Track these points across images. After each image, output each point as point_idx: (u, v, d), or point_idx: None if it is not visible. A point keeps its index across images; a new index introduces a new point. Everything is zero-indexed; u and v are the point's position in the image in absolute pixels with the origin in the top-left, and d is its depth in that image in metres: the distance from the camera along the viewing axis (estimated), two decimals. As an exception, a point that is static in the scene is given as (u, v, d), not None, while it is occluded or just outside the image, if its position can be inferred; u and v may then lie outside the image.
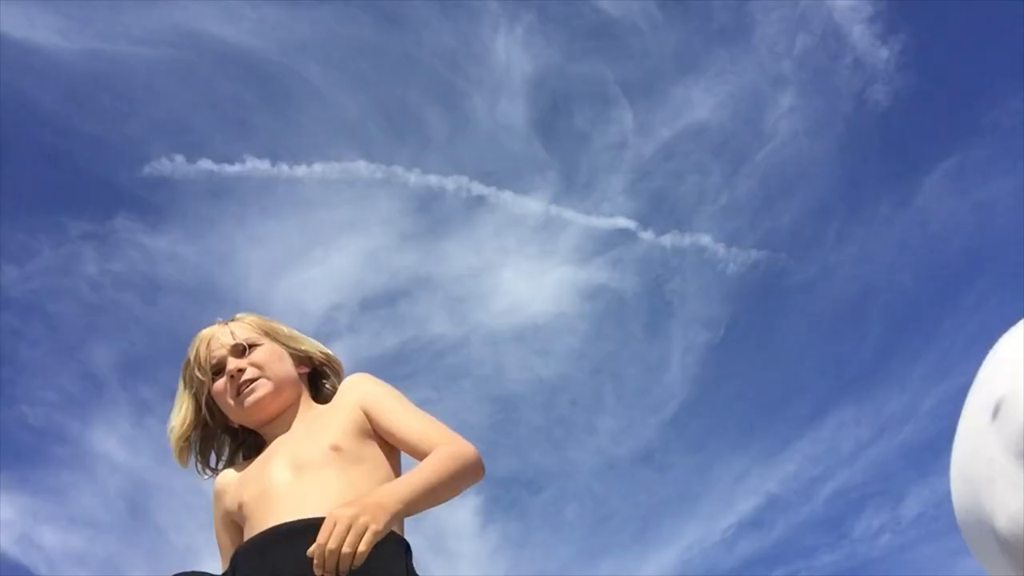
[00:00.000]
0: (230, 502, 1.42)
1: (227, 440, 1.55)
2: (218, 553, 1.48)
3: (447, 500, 1.30)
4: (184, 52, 9.36)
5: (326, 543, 1.10)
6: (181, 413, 1.50)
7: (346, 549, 1.09)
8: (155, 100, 9.51)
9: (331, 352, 1.60)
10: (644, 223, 10.61)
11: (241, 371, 1.46)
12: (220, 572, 1.38)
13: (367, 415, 1.42)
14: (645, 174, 10.83)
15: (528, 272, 11.23)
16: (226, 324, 1.55)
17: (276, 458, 1.40)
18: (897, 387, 10.46)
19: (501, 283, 11.32)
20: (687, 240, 10.44)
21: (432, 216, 10.84)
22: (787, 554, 9.81)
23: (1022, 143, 9.10)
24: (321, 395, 1.56)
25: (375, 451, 1.39)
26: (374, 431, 1.41)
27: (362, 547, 1.10)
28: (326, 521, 1.13)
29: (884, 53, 9.59)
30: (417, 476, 1.28)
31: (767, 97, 10.47)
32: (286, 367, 1.51)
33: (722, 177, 10.73)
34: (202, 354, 1.49)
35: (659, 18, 10.30)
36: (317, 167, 9.87)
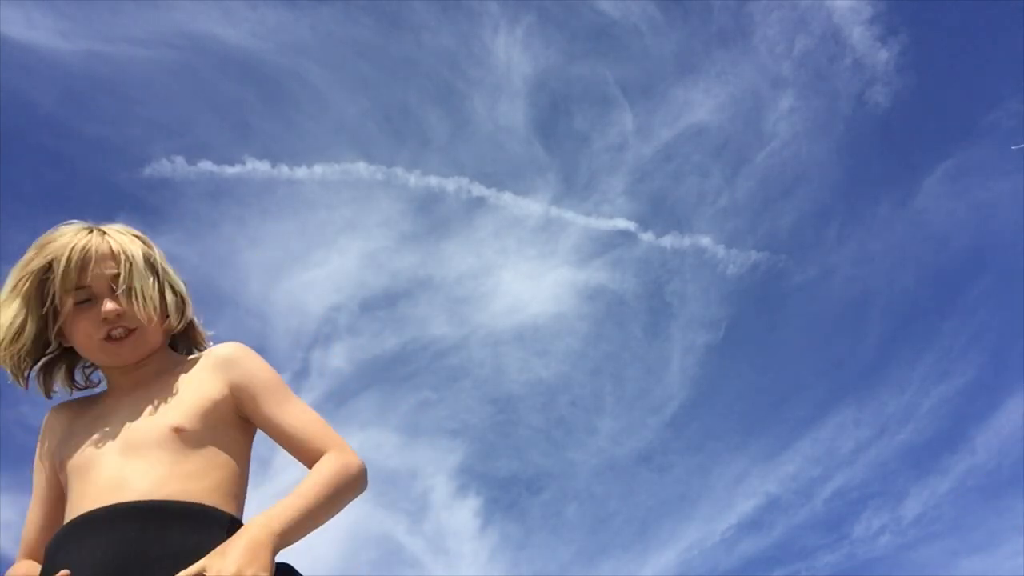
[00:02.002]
0: (55, 454, 1.30)
1: (64, 359, 1.36)
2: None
3: (328, 519, 1.20)
4: (184, 54, 9.39)
5: None
6: (14, 321, 1.27)
7: None
8: (155, 101, 9.52)
9: (189, 300, 1.42)
10: (644, 224, 10.62)
11: (120, 316, 1.29)
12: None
13: (240, 399, 1.28)
14: (645, 175, 10.84)
15: (528, 273, 11.24)
16: (104, 236, 1.32)
17: (110, 428, 1.26)
18: (897, 388, 10.49)
19: (501, 284, 11.33)
20: (687, 241, 10.45)
21: (432, 217, 10.85)
22: (787, 555, 9.82)
23: (1021, 144, 9.10)
24: (182, 341, 1.42)
25: (224, 436, 1.26)
26: (242, 415, 1.29)
27: None
28: None
29: (884, 55, 9.61)
30: (298, 501, 1.16)
31: (767, 99, 10.49)
32: (156, 322, 1.33)
33: (722, 178, 10.75)
34: (73, 270, 1.27)
35: (659, 20, 10.32)
36: (317, 168, 9.87)
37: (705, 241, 10.42)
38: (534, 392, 11.09)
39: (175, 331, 1.39)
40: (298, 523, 1.13)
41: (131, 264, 1.32)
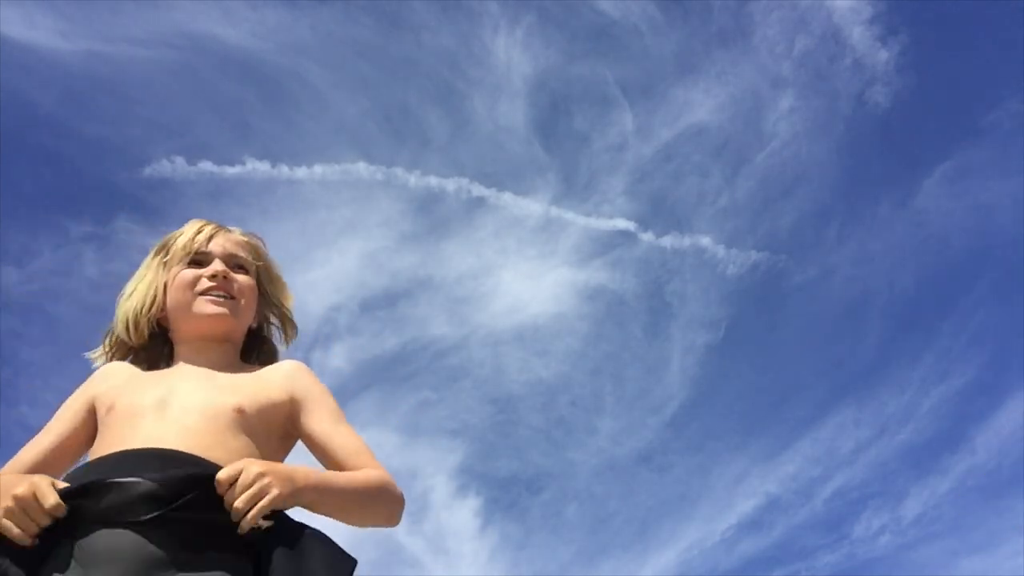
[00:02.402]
0: (107, 393, 1.28)
1: (151, 333, 1.40)
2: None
3: (352, 519, 1.18)
4: (184, 54, 9.38)
5: (230, 488, 1.04)
6: (150, 290, 1.36)
7: (238, 504, 1.03)
8: (155, 102, 9.52)
9: (295, 324, 1.50)
10: (644, 224, 10.62)
11: (227, 279, 1.36)
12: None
13: (296, 410, 1.30)
14: (645, 175, 10.84)
15: (528, 273, 11.24)
16: (231, 231, 1.44)
17: (179, 383, 1.27)
18: (896, 388, 10.48)
19: (501, 284, 11.33)
20: (687, 241, 10.45)
21: (432, 217, 10.85)
22: (787, 555, 9.82)
23: (1021, 145, 9.11)
24: (246, 356, 1.46)
25: (270, 436, 1.27)
26: (292, 427, 1.31)
27: (255, 511, 1.02)
28: (231, 466, 1.06)
29: (884, 55, 9.60)
30: (340, 476, 1.19)
31: (767, 99, 10.48)
32: (251, 310, 1.41)
33: (722, 178, 10.75)
34: (199, 237, 1.38)
35: (659, 20, 10.31)
36: (317, 169, 9.87)
37: (705, 241, 10.41)
38: (534, 392, 11.09)
39: (252, 330, 1.44)
40: (334, 493, 1.14)
41: (254, 252, 1.42)
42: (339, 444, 1.27)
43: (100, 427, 1.25)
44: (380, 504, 1.22)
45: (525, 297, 10.95)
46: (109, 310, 1.44)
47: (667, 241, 10.25)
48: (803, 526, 9.74)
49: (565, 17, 10.22)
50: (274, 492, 1.04)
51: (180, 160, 8.81)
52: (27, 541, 1.01)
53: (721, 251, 10.15)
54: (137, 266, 1.45)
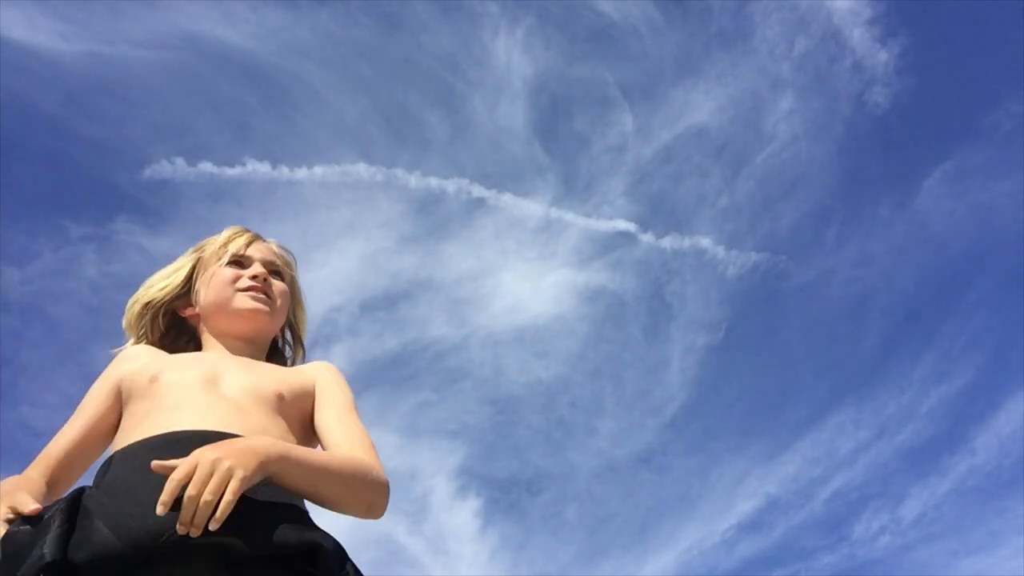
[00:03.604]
0: (142, 368, 1.25)
1: (168, 325, 1.41)
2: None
3: (327, 500, 1.11)
4: (184, 55, 9.39)
5: (188, 489, 0.94)
6: (171, 279, 1.40)
7: (207, 496, 0.93)
8: (156, 103, 9.52)
9: (304, 347, 1.53)
10: (644, 225, 10.62)
11: (266, 280, 1.40)
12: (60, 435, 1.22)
13: (318, 399, 1.31)
14: (645, 176, 10.84)
15: (528, 274, 11.24)
16: (269, 241, 1.48)
17: (223, 364, 1.27)
18: (896, 389, 10.48)
19: (501, 285, 11.33)
20: (687, 242, 10.45)
21: (432, 218, 10.85)
22: (787, 555, 9.81)
23: (1021, 146, 9.12)
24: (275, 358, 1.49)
25: (304, 429, 1.28)
26: (312, 418, 1.31)
27: (227, 495, 0.94)
28: (184, 463, 0.97)
29: (883, 56, 9.60)
30: (316, 454, 1.12)
31: (766, 100, 10.49)
32: (284, 316, 1.46)
33: (722, 180, 10.75)
34: (238, 241, 1.42)
35: (659, 21, 10.32)
36: (317, 169, 9.87)
37: (705, 242, 10.41)
38: (534, 393, 11.08)
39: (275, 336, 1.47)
40: (302, 465, 1.07)
41: (289, 264, 1.47)
42: (338, 432, 1.26)
43: (136, 400, 1.21)
44: (358, 487, 1.14)
45: (525, 298, 10.95)
46: (109, 311, 1.46)
47: (667, 242, 10.25)
48: (803, 527, 9.74)
49: (565, 18, 10.23)
50: (239, 474, 0.96)
51: (180, 161, 8.81)
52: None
53: (721, 252, 10.15)
54: (137, 267, 1.51)
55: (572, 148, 10.74)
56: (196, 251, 1.45)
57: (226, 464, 0.96)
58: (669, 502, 10.46)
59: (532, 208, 10.37)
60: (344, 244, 10.77)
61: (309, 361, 1.51)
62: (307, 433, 1.31)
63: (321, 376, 1.36)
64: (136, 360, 1.31)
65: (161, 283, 1.41)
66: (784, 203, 10.62)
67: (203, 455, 0.97)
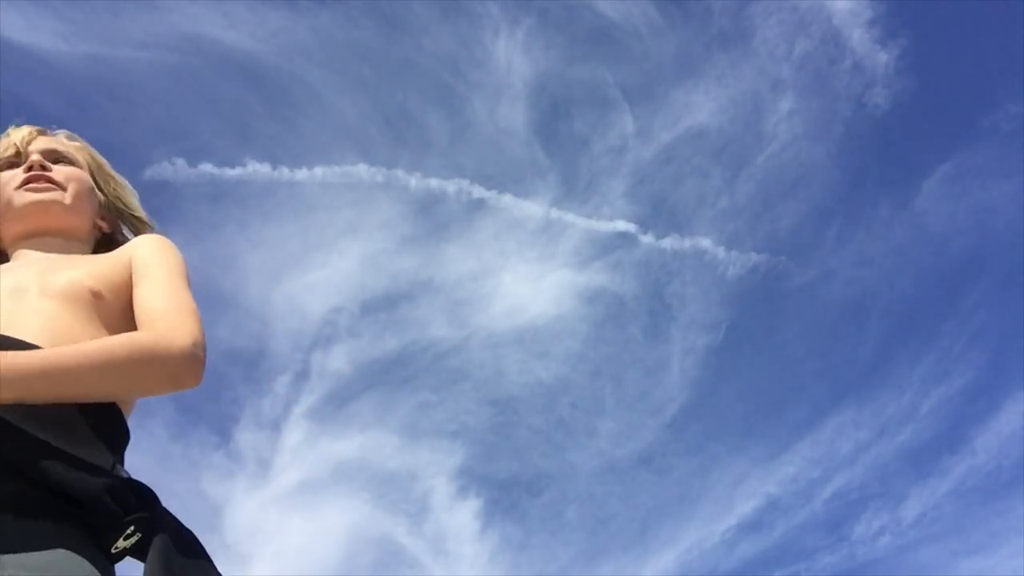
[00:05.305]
0: None
1: None
2: None
3: (97, 395, 0.94)
4: (185, 56, 9.40)
5: None
6: None
7: None
8: (156, 104, 9.54)
9: (147, 221, 1.34)
10: (644, 226, 10.63)
11: (46, 169, 1.24)
12: None
13: (133, 276, 1.14)
14: (645, 177, 10.85)
15: (528, 275, 11.24)
16: (48, 132, 1.32)
17: (36, 268, 1.12)
18: (896, 389, 10.49)
19: (501, 286, 11.33)
20: (687, 243, 10.46)
21: (433, 219, 10.86)
22: (787, 556, 9.83)
23: (1020, 147, 9.13)
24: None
25: (126, 321, 1.10)
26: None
27: None
28: None
29: (883, 57, 9.62)
30: (47, 353, 0.92)
31: (767, 101, 10.50)
32: (91, 204, 1.28)
33: (722, 181, 10.76)
34: (7, 141, 1.27)
35: (659, 22, 10.33)
36: (318, 170, 9.88)
37: (705, 243, 10.43)
38: (534, 394, 11.10)
39: (107, 236, 1.30)
40: (36, 375, 0.87)
41: (76, 148, 1.31)
42: (142, 308, 1.08)
43: None
44: (131, 371, 0.97)
45: (525, 299, 10.96)
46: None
47: (667, 243, 10.27)
48: (803, 527, 9.76)
49: (565, 20, 10.25)
50: None
51: (181, 162, 8.82)
52: None
53: (721, 253, 10.17)
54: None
55: (572, 149, 10.76)
56: None
57: None
58: (669, 503, 10.48)
59: (532, 209, 10.39)
60: (344, 245, 10.78)
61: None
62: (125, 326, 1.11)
63: (137, 252, 1.17)
64: None
65: None
66: (784, 204, 10.63)
67: None
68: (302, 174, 9.83)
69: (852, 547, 9.67)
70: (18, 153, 1.26)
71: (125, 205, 1.34)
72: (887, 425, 10.24)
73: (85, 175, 1.29)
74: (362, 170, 10.08)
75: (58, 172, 1.25)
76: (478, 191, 10.32)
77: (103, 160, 1.36)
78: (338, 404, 10.58)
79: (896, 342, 10.88)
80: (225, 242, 10.23)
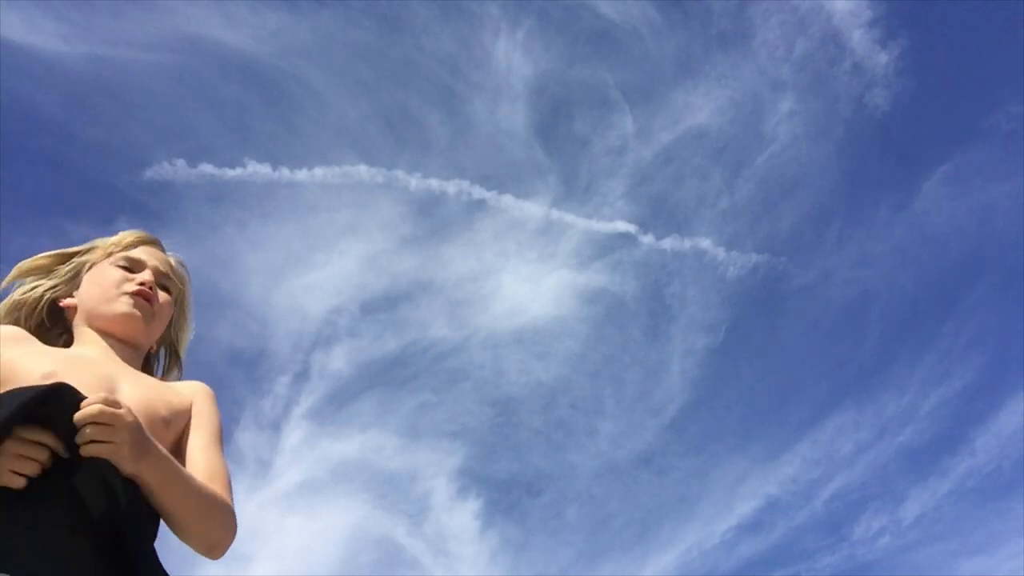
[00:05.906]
0: (30, 359, 1.20)
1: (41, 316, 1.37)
2: None
3: (179, 522, 1.14)
4: (185, 57, 9.41)
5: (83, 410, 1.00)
6: (57, 273, 1.39)
7: (89, 432, 1.00)
8: (156, 105, 9.54)
9: (180, 364, 1.51)
10: (644, 227, 10.63)
11: (152, 290, 1.39)
12: None
13: (190, 423, 1.31)
14: (645, 178, 10.85)
15: (528, 276, 11.24)
16: (166, 252, 1.48)
17: (116, 371, 1.27)
18: (896, 390, 10.49)
19: (501, 286, 11.33)
20: (687, 244, 10.46)
21: (433, 220, 10.86)
22: (787, 556, 9.83)
23: (1020, 148, 9.13)
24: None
25: (169, 450, 1.23)
26: (181, 443, 1.30)
27: (92, 448, 1.00)
28: (109, 406, 1.02)
29: (883, 58, 9.62)
30: (189, 475, 1.17)
31: (767, 102, 10.50)
32: (161, 331, 1.44)
33: (722, 181, 10.76)
34: (134, 243, 1.43)
35: (659, 23, 10.33)
36: (318, 171, 9.89)
37: (705, 243, 10.44)
38: (534, 394, 11.10)
39: (152, 350, 1.46)
40: (165, 472, 1.09)
41: (181, 280, 1.47)
42: (200, 461, 1.26)
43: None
44: (214, 519, 1.18)
45: (525, 299, 10.96)
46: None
47: (667, 243, 10.27)
48: (803, 528, 9.76)
49: (565, 20, 10.25)
50: (122, 451, 1.02)
51: (181, 163, 8.83)
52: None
53: (721, 253, 10.17)
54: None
55: (572, 150, 10.77)
56: (90, 245, 1.44)
57: (124, 435, 1.02)
58: (669, 503, 10.48)
59: (532, 209, 10.39)
60: (345, 245, 10.78)
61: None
62: (173, 454, 1.26)
63: (199, 399, 1.35)
64: (16, 347, 1.24)
65: (47, 282, 1.39)
66: (784, 204, 10.64)
67: (127, 415, 1.04)
68: (302, 174, 9.85)
69: (852, 547, 9.67)
70: (136, 260, 1.41)
71: (178, 344, 1.50)
72: (887, 425, 10.25)
73: (172, 309, 1.45)
74: (362, 171, 10.09)
75: (159, 297, 1.41)
76: (478, 192, 10.33)
77: (190, 301, 1.51)
78: (338, 404, 10.60)
79: (896, 342, 10.89)
80: (225, 242, 10.24)
